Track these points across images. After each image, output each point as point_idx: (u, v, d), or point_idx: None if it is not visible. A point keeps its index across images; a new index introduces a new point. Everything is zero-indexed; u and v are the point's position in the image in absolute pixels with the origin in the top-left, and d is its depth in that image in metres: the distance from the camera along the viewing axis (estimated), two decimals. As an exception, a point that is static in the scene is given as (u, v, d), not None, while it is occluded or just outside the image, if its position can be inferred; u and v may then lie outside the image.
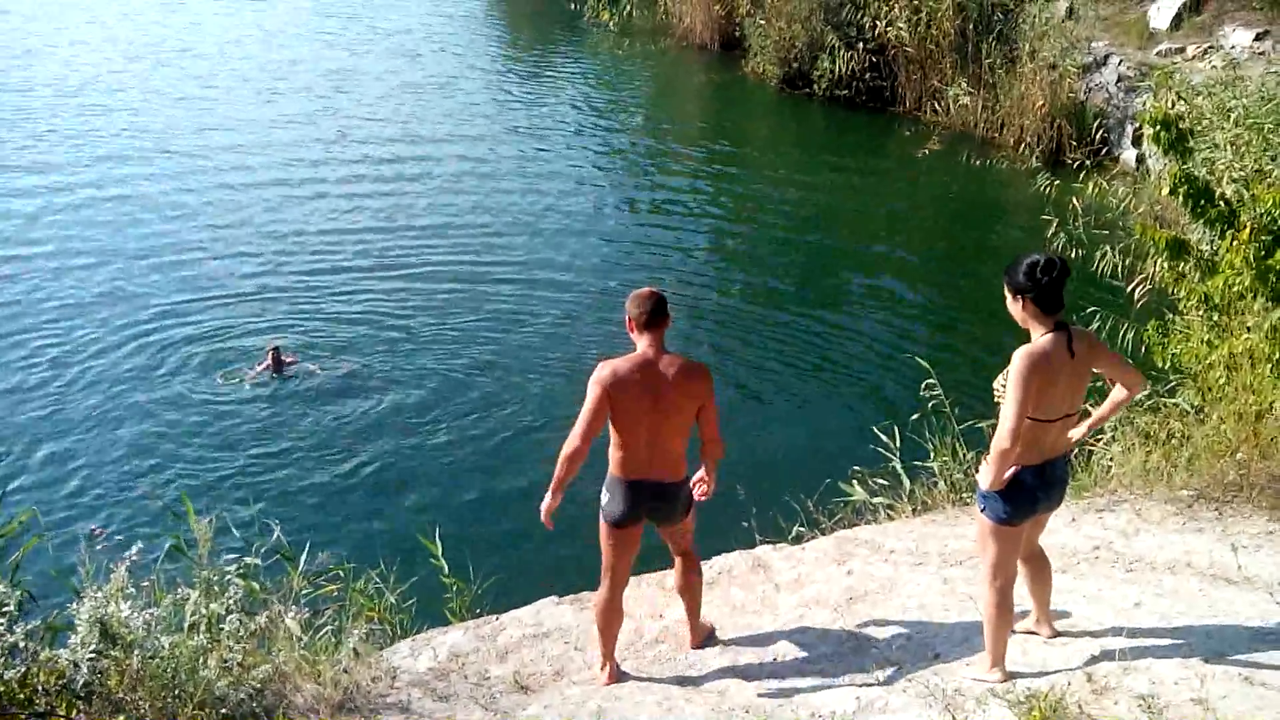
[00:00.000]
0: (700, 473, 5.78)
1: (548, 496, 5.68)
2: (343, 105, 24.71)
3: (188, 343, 14.27)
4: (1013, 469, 4.94)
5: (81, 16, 31.02)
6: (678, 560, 5.99)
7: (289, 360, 13.66)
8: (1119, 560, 6.24)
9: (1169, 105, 16.05)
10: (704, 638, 6.13)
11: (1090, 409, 5.23)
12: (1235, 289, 7.60)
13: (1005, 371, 4.90)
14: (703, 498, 5.80)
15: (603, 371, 5.49)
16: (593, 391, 5.48)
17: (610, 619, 5.84)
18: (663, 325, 5.59)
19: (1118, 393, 5.17)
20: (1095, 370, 5.08)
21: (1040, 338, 4.90)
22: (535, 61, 29.12)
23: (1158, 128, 8.48)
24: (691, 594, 6.02)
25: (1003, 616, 5.20)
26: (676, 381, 5.51)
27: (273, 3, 33.74)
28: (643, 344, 5.57)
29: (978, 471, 5.14)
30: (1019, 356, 4.84)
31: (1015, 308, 4.98)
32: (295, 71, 27.26)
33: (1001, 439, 4.82)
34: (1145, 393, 7.41)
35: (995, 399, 5.06)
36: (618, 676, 5.87)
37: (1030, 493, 5.02)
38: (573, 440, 5.49)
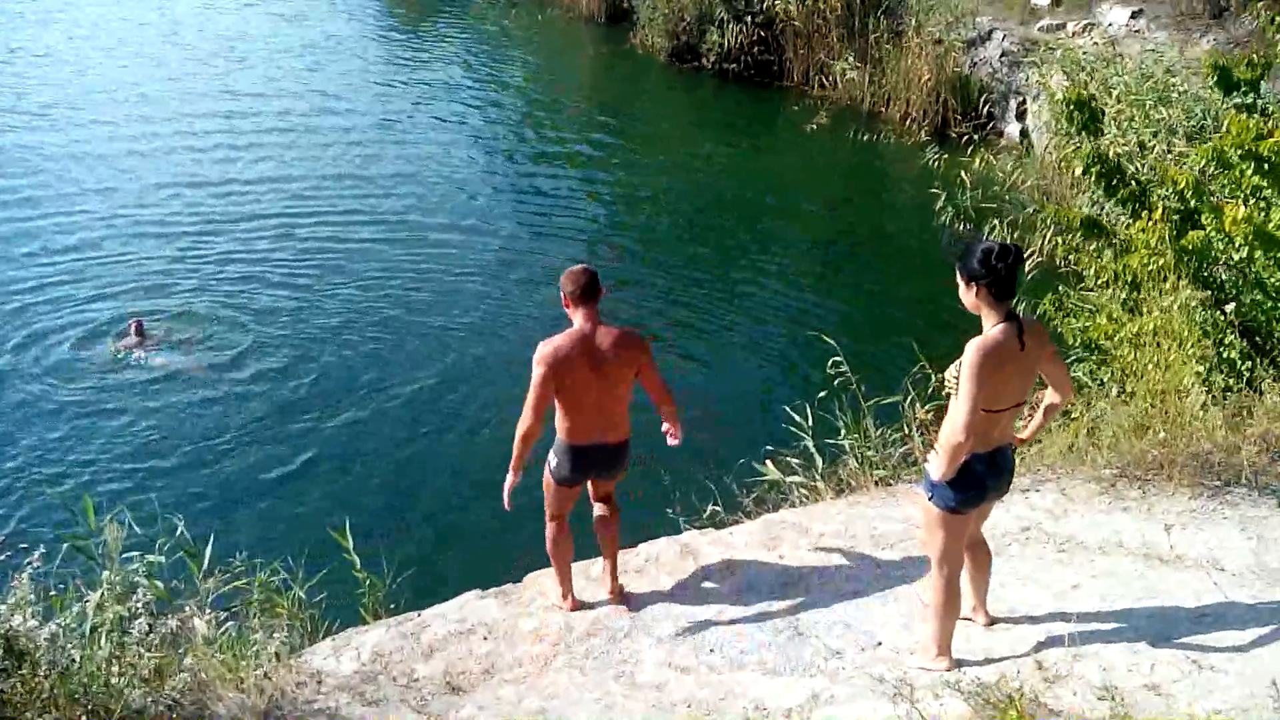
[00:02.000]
0: (665, 426, 6.20)
1: (510, 476, 5.99)
2: (209, 71, 23.98)
3: (47, 320, 13.69)
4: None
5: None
6: (599, 505, 6.31)
7: (156, 335, 13.21)
8: (1050, 541, 6.26)
9: (1061, 81, 16.40)
10: (620, 592, 6.34)
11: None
12: (1150, 268, 7.68)
13: (957, 363, 4.83)
14: (675, 443, 6.21)
15: (545, 350, 5.77)
16: (538, 370, 5.75)
17: (563, 552, 6.20)
18: (596, 299, 5.89)
19: (1051, 397, 5.20)
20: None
21: (992, 328, 4.83)
22: (416, 30, 28.44)
23: (1070, 107, 8.53)
24: (611, 536, 6.30)
25: (950, 605, 5.16)
26: (615, 351, 5.84)
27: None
28: (579, 319, 5.87)
29: (925, 460, 5.08)
30: (971, 349, 4.77)
31: (968, 295, 4.90)
32: (173, 37, 26.38)
33: (955, 432, 4.76)
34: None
35: (946, 390, 4.99)
36: (578, 605, 6.23)
37: (979, 481, 4.97)
38: (526, 419, 5.80)
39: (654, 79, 24.84)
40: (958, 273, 4.89)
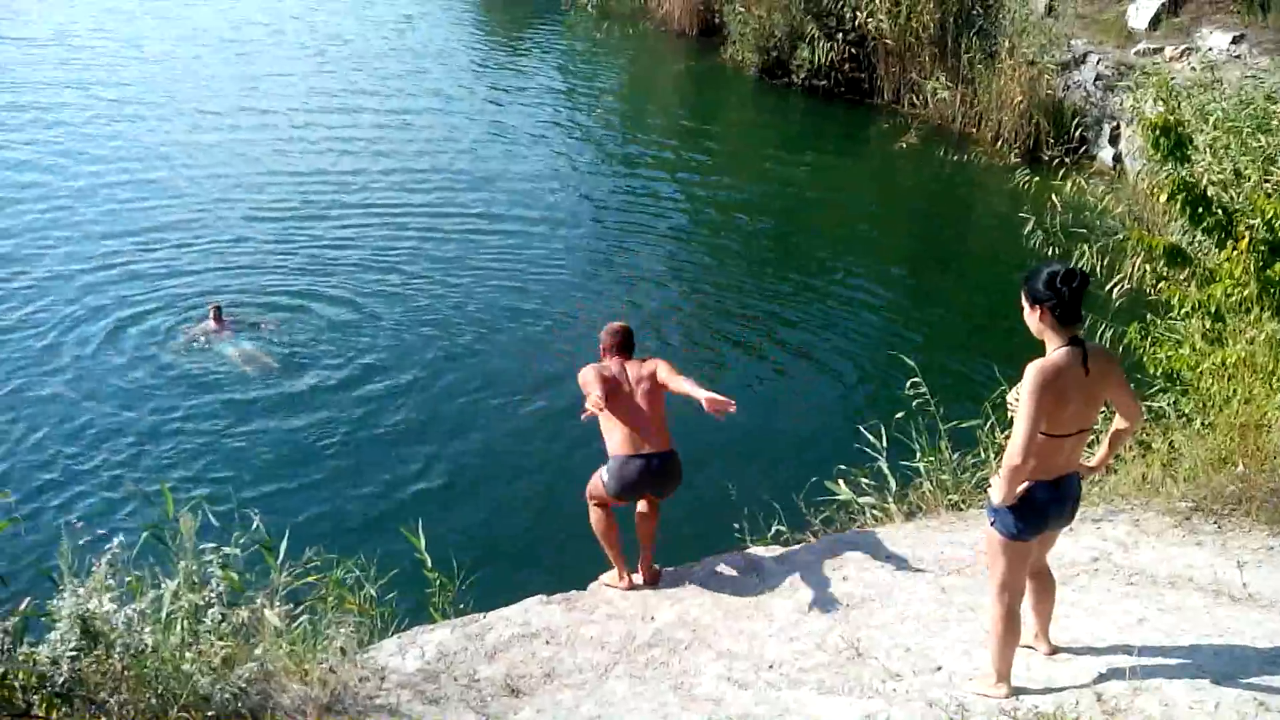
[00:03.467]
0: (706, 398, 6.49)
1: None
2: (306, 70, 24.74)
3: (134, 307, 14.09)
4: (1025, 484, 4.86)
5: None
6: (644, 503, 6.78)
7: (235, 322, 13.55)
8: (1119, 573, 6.18)
9: (1155, 106, 16.14)
10: (655, 577, 6.74)
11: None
12: (1234, 298, 7.55)
13: (1018, 385, 4.80)
14: (728, 407, 6.51)
15: (594, 372, 6.60)
16: (589, 375, 6.57)
17: (611, 532, 6.70)
18: (628, 355, 6.81)
19: (1118, 423, 5.11)
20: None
21: (1054, 351, 4.80)
22: (509, 42, 28.83)
23: (1157, 133, 8.42)
24: (650, 526, 6.72)
25: (1010, 632, 5.12)
26: (644, 375, 6.68)
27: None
28: (613, 366, 6.73)
29: (989, 486, 5.05)
30: (1032, 370, 4.74)
31: (1032, 318, 4.87)
32: (266, 42, 27.07)
33: (1013, 454, 4.73)
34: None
35: (1009, 412, 4.96)
36: (633, 584, 6.67)
37: (1042, 509, 4.92)
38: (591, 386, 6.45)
39: (743, 94, 24.89)
40: (1023, 295, 4.86)
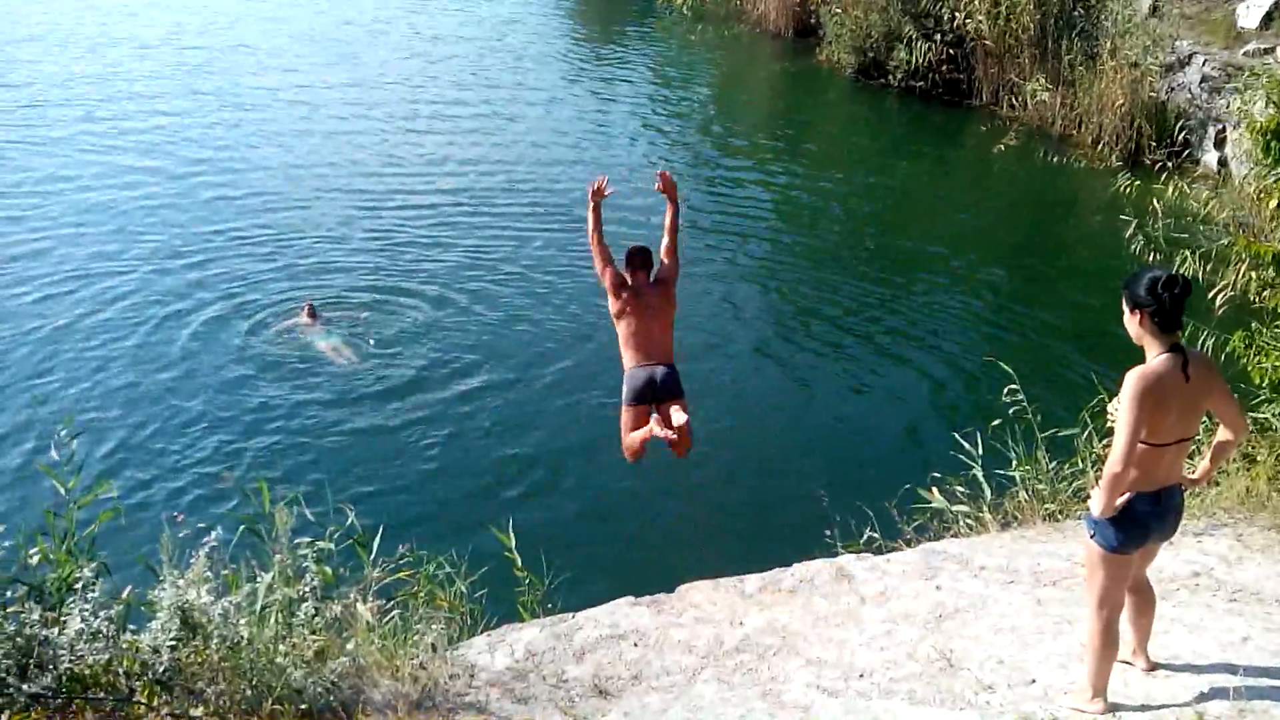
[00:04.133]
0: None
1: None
2: (407, 70, 25.11)
3: (231, 301, 14.41)
4: (1125, 495, 4.75)
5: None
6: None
7: (326, 317, 13.76)
8: (1221, 589, 6.02)
9: (1265, 109, 15.70)
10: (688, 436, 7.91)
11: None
12: (1347, 309, 7.31)
13: (1119, 395, 4.70)
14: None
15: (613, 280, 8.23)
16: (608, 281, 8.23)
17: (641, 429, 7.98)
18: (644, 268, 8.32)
19: (1222, 435, 4.97)
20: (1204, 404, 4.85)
21: (1154, 359, 4.69)
22: (605, 42, 28.95)
23: (1267, 137, 8.19)
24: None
25: (1107, 647, 5.01)
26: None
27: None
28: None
29: (1088, 497, 4.94)
30: (1131, 378, 4.63)
31: (1132, 323, 4.77)
32: (368, 42, 27.56)
33: (1113, 464, 4.63)
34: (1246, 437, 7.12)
35: (1109, 422, 4.86)
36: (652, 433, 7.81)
37: (1143, 521, 4.81)
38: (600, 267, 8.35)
39: (839, 95, 24.72)
40: (1123, 300, 4.76)
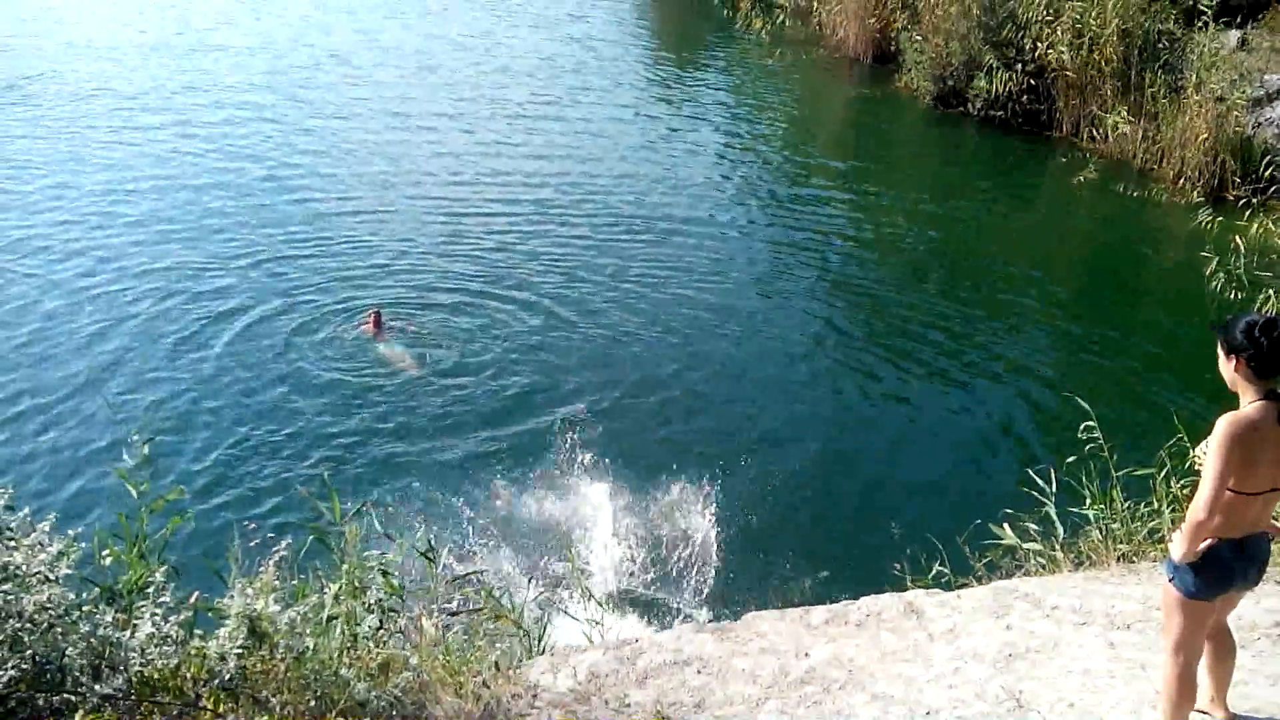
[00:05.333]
0: None
1: None
2: (485, 86, 25.41)
3: (303, 309, 14.61)
4: (1208, 542, 4.64)
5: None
6: None
7: (395, 328, 13.87)
8: (1304, 640, 5.86)
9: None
10: None
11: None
12: None
13: (1208, 439, 4.59)
14: None
15: None
16: None
17: None
18: None
19: None
20: None
21: (1248, 405, 4.58)
22: (683, 65, 29.01)
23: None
24: None
25: (1184, 695, 4.89)
26: None
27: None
28: None
29: (1170, 539, 4.83)
30: (1223, 423, 4.52)
31: (1227, 368, 4.66)
32: (449, 54, 28.02)
33: (1197, 510, 4.52)
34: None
35: (1195, 465, 4.75)
36: None
37: (1226, 569, 4.70)
38: None
39: (917, 123, 24.55)
40: (1219, 344, 4.65)
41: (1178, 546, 4.68)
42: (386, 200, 18.38)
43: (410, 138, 21.68)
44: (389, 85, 25.13)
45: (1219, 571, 4.69)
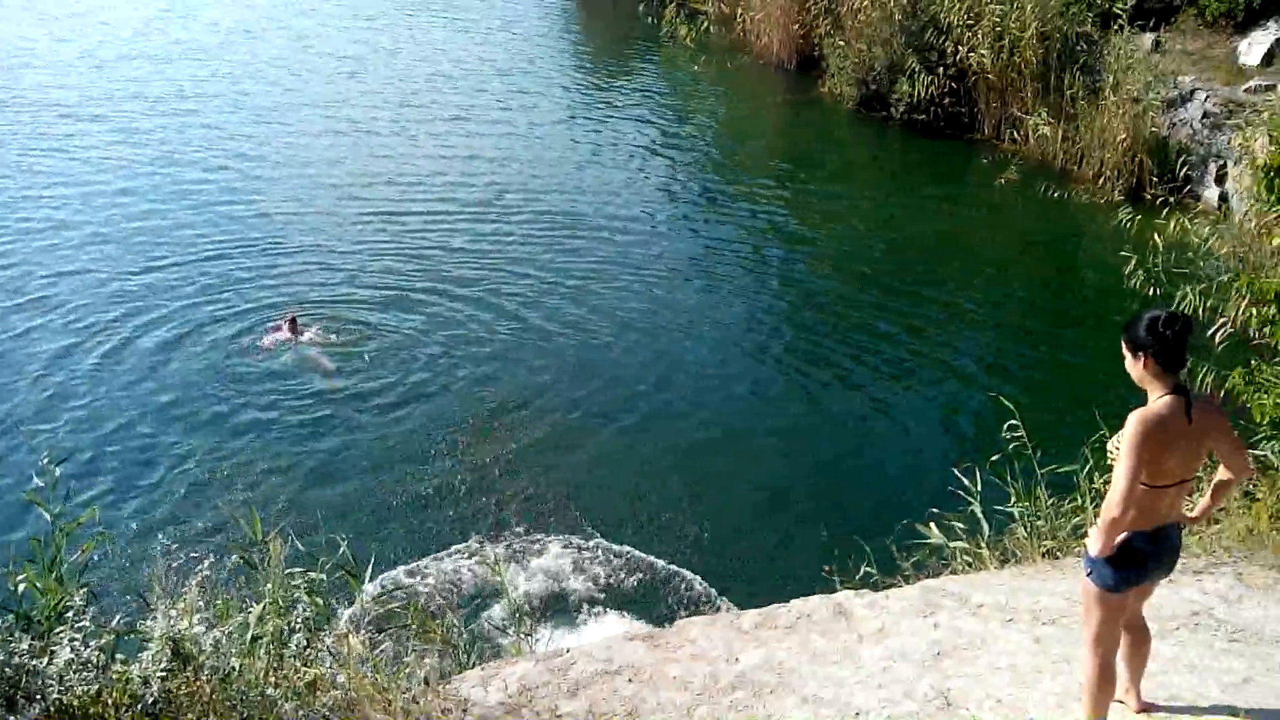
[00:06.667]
0: None
1: None
2: (406, 93, 25.43)
3: (220, 316, 14.57)
4: (1123, 535, 4.71)
5: None
6: None
7: (305, 331, 13.76)
8: (1221, 629, 5.96)
9: (1266, 146, 15.71)
10: None
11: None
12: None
13: (1120, 434, 4.66)
14: None
15: None
16: None
17: None
18: None
19: (1223, 474, 4.93)
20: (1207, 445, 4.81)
21: (1157, 400, 4.66)
22: (608, 73, 29.05)
23: (1270, 174, 8.18)
24: None
25: (1104, 686, 4.96)
26: None
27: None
28: None
29: (1086, 535, 4.90)
30: (1133, 420, 4.60)
31: (1135, 366, 4.73)
32: (375, 60, 28.11)
33: (1111, 505, 4.59)
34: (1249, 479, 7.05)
35: (1109, 460, 4.82)
36: None
37: (1140, 560, 4.77)
38: None
39: (840, 127, 24.77)
40: (1124, 344, 4.72)
41: (1094, 542, 4.75)
42: (314, 204, 18.40)
43: (340, 142, 21.67)
44: (320, 91, 25.09)
45: (1134, 563, 4.76)
